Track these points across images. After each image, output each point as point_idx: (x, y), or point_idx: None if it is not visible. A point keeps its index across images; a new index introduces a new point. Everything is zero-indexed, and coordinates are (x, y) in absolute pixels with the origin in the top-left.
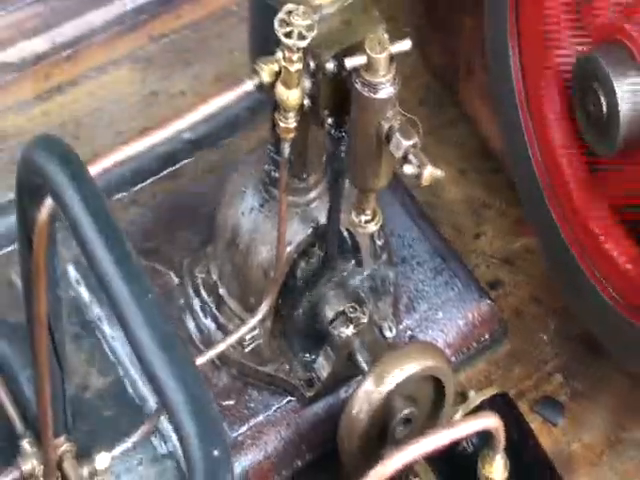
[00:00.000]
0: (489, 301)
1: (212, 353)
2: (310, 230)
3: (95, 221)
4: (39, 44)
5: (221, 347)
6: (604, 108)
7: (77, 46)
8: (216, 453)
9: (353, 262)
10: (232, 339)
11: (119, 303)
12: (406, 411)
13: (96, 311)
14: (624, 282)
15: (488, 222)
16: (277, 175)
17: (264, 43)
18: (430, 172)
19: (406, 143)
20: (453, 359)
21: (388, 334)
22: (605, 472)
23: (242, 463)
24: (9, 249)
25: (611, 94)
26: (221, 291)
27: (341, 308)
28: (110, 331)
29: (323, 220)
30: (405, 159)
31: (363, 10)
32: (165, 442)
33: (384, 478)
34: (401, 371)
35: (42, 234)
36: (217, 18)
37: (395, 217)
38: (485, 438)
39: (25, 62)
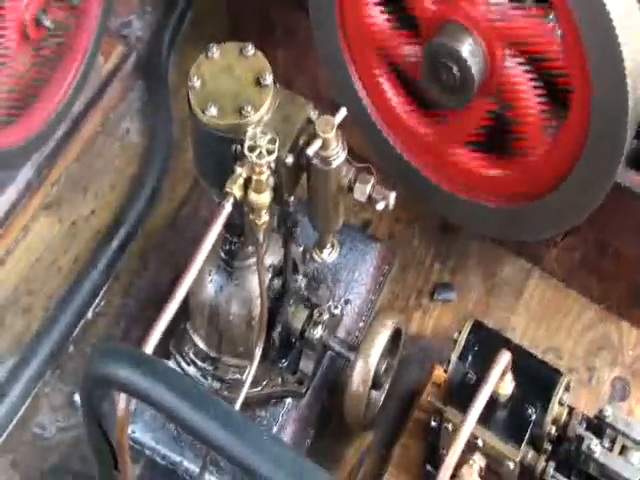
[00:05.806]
0: (379, 243)
1: (239, 401)
2: (270, 274)
3: (183, 397)
4: None
5: (243, 393)
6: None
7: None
8: None
9: (300, 276)
10: (248, 381)
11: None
12: (385, 365)
13: None
14: (420, 145)
15: None
16: (233, 253)
17: (216, 166)
18: (394, 196)
19: (367, 188)
20: (373, 297)
21: (335, 311)
22: (492, 312)
23: None
24: None
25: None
26: (212, 354)
27: (305, 316)
28: None
29: (272, 262)
30: (370, 199)
31: (291, 101)
32: None
33: (464, 441)
34: (378, 344)
35: (123, 422)
36: (91, 144)
37: None
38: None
39: None
